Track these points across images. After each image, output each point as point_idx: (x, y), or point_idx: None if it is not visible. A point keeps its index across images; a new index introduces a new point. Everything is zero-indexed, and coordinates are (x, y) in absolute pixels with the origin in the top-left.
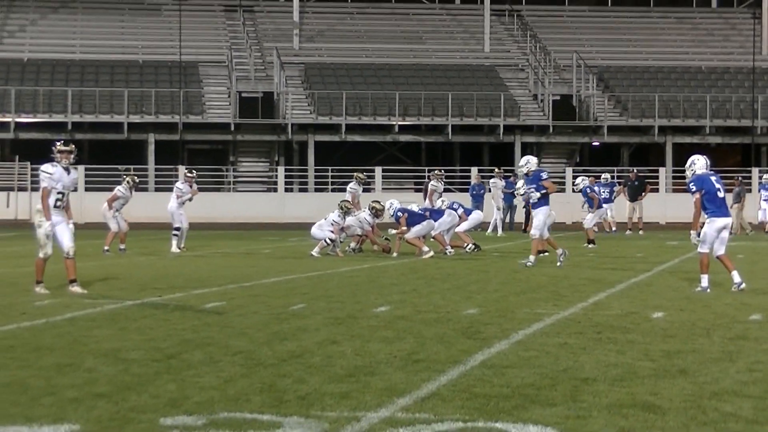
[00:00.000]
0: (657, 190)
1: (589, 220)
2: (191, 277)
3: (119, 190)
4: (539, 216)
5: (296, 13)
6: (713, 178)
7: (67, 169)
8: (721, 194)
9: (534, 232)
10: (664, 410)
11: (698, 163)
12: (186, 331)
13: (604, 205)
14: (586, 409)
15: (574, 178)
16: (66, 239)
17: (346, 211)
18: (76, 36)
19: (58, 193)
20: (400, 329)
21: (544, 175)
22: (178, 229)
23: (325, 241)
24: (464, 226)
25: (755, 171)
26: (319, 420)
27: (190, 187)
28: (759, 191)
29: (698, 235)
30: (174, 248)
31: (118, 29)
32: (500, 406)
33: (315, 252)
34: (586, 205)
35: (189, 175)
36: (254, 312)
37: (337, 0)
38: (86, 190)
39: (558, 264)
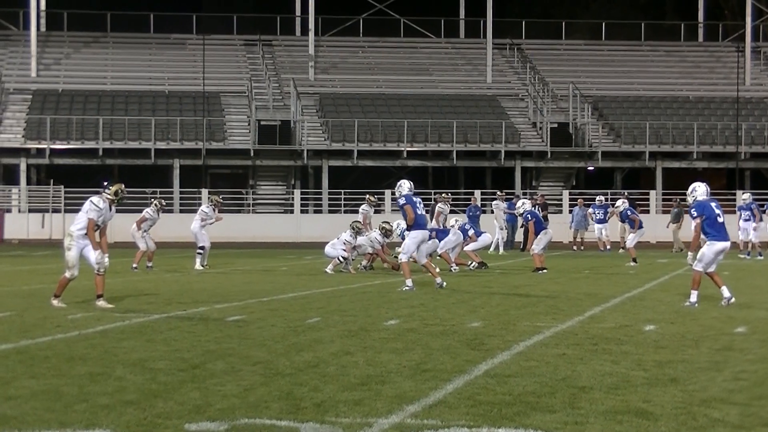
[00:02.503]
0: (648, 212)
1: (631, 240)
2: (213, 293)
3: (147, 212)
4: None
5: (311, 46)
6: (713, 204)
7: (110, 207)
8: (720, 219)
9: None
10: (656, 416)
11: (699, 190)
12: (209, 342)
13: (598, 225)
14: (583, 416)
15: (612, 200)
16: (94, 256)
17: (357, 231)
18: (107, 68)
19: (96, 224)
20: (409, 341)
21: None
22: (202, 248)
23: (338, 259)
24: (472, 246)
25: (740, 193)
26: (333, 426)
27: (214, 211)
28: (738, 211)
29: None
30: (198, 266)
31: (146, 62)
32: (503, 412)
33: (329, 269)
34: (627, 226)
35: (218, 200)
36: (272, 325)
37: (349, 35)
38: (116, 211)
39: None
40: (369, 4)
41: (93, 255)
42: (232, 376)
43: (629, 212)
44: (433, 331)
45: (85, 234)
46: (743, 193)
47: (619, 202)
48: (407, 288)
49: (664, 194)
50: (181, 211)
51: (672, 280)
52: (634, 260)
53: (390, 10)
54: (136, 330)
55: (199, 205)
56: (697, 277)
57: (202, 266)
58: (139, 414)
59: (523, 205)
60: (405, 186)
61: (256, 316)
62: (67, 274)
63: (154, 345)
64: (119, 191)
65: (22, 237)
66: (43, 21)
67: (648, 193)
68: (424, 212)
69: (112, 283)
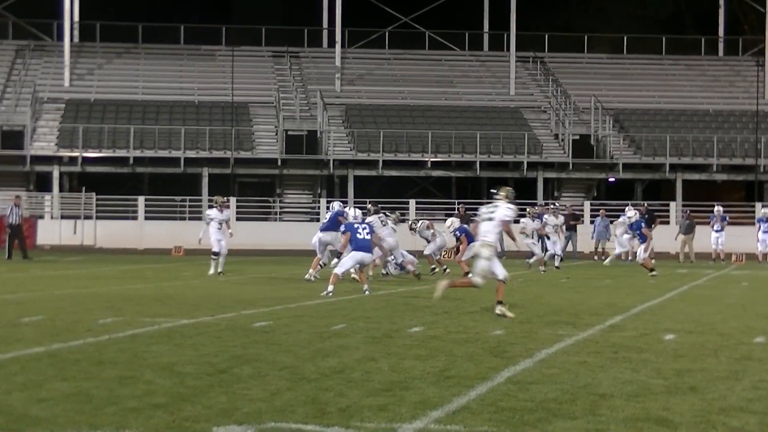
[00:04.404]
0: (668, 223)
1: (640, 253)
2: (240, 299)
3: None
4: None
5: (338, 58)
6: None
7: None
8: None
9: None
10: (675, 424)
11: None
12: (236, 347)
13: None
14: (604, 423)
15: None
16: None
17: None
18: (139, 79)
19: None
20: (432, 348)
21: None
22: (216, 254)
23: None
24: (466, 254)
25: (758, 205)
26: (358, 430)
27: (221, 212)
28: (757, 223)
29: None
30: (211, 270)
31: (176, 73)
32: (525, 419)
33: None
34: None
35: (222, 200)
36: (299, 331)
37: (375, 47)
38: (146, 218)
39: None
40: (395, 17)
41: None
42: (259, 380)
43: (642, 224)
44: (457, 339)
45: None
46: (762, 206)
47: (630, 213)
48: (329, 293)
49: (683, 206)
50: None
51: (691, 290)
52: (652, 270)
53: (415, 23)
54: (164, 335)
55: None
56: None
57: (218, 273)
58: (168, 417)
59: (453, 223)
60: (350, 215)
61: (282, 322)
62: (501, 278)
63: (182, 350)
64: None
65: (54, 243)
66: (76, 32)
67: (668, 205)
68: (366, 237)
69: (141, 289)
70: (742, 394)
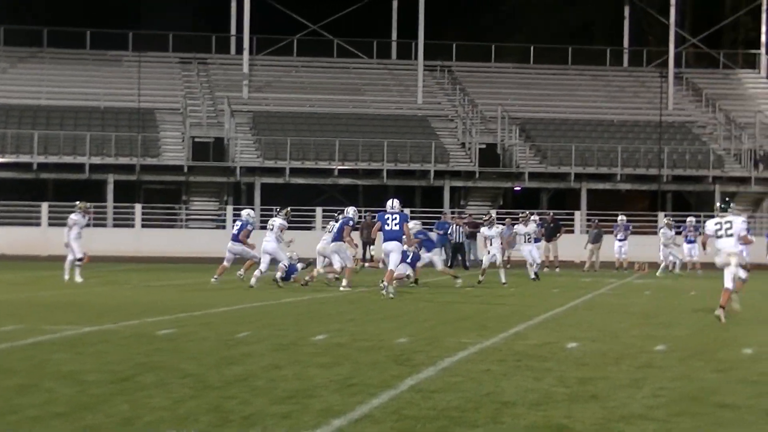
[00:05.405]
0: (572, 232)
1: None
2: (145, 306)
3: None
4: None
5: (246, 65)
6: None
7: None
8: None
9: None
10: None
11: None
12: (139, 355)
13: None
14: (506, 431)
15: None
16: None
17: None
18: (43, 83)
19: None
20: (337, 356)
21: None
22: (80, 259)
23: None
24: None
25: (661, 215)
26: None
27: (84, 217)
28: (659, 233)
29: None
30: (78, 278)
31: (82, 78)
32: (427, 427)
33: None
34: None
35: (86, 206)
36: (204, 338)
37: (283, 54)
38: (49, 225)
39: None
40: (303, 25)
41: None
42: (162, 388)
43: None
44: (362, 347)
45: None
46: (665, 216)
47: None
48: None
49: (587, 215)
50: (115, 226)
51: (595, 299)
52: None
53: (324, 30)
54: (67, 342)
55: (133, 219)
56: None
57: (67, 277)
58: (68, 426)
59: (416, 226)
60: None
61: (187, 330)
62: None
63: (85, 357)
64: None
65: None
66: None
67: (573, 214)
68: (394, 228)
69: (44, 296)
70: (643, 401)
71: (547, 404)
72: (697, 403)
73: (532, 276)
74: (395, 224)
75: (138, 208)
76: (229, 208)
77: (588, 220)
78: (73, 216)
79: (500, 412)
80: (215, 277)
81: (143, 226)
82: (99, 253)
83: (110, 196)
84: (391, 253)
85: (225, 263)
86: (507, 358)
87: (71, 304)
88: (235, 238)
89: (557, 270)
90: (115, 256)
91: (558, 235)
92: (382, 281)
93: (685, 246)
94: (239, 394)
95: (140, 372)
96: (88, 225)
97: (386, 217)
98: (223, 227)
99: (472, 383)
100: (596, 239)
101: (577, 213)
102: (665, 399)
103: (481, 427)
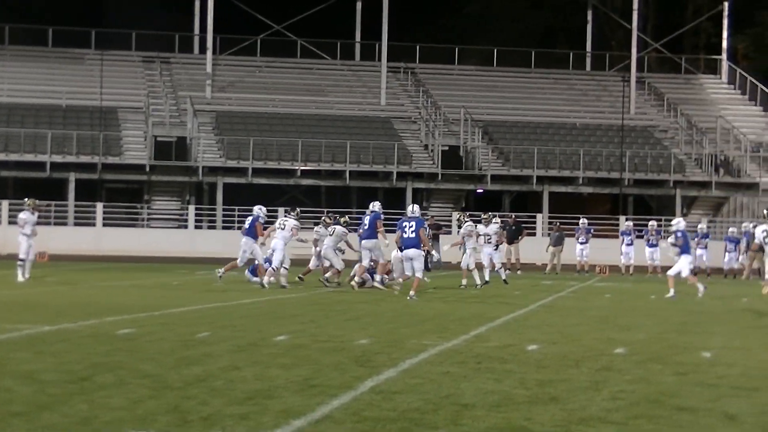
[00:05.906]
0: (534, 234)
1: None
2: (105, 306)
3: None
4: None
5: (209, 65)
6: None
7: None
8: None
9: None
10: None
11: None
12: (98, 355)
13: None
14: None
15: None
16: None
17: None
18: (4, 81)
19: None
20: (297, 357)
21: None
22: (23, 259)
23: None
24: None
25: (622, 218)
26: None
27: (33, 214)
28: (621, 236)
29: None
30: (20, 278)
31: (43, 76)
32: (387, 428)
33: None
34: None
35: (35, 203)
36: (163, 338)
37: (246, 54)
38: (9, 224)
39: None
40: (267, 25)
41: None
42: (121, 388)
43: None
44: (322, 348)
45: None
46: (626, 219)
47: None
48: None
49: (550, 217)
50: (76, 224)
51: (556, 302)
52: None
53: (287, 31)
54: (26, 342)
55: (94, 218)
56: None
57: (24, 278)
58: (26, 426)
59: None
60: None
61: (146, 330)
62: None
63: (43, 357)
64: None
65: None
66: None
67: (535, 216)
68: (411, 235)
69: (3, 295)
70: (602, 404)
71: (506, 406)
72: (656, 405)
73: (484, 282)
74: (412, 231)
75: (99, 207)
76: (191, 208)
77: (550, 223)
78: (21, 215)
79: (460, 414)
80: (221, 272)
81: (104, 225)
82: (59, 252)
83: (71, 194)
84: (413, 261)
85: (238, 262)
86: (467, 360)
87: (30, 303)
88: (247, 233)
89: (519, 272)
90: (75, 255)
91: (520, 237)
92: (411, 296)
93: (647, 249)
94: (198, 394)
95: (99, 372)
96: (48, 223)
97: (404, 224)
98: (185, 227)
99: (433, 385)
100: (558, 242)
101: (539, 215)
102: (624, 402)
103: (441, 428)
